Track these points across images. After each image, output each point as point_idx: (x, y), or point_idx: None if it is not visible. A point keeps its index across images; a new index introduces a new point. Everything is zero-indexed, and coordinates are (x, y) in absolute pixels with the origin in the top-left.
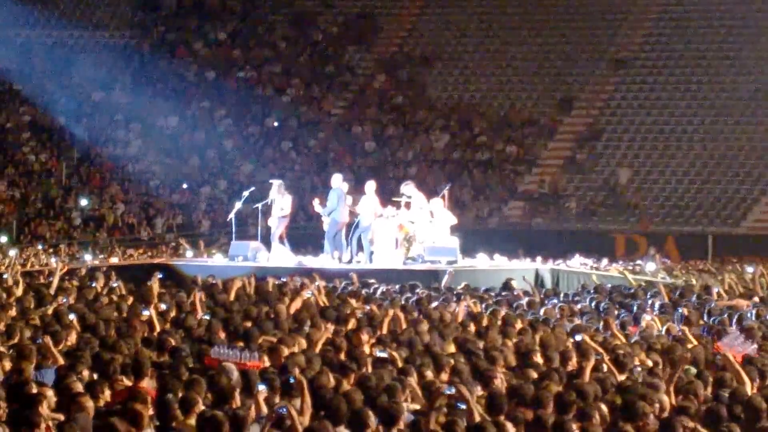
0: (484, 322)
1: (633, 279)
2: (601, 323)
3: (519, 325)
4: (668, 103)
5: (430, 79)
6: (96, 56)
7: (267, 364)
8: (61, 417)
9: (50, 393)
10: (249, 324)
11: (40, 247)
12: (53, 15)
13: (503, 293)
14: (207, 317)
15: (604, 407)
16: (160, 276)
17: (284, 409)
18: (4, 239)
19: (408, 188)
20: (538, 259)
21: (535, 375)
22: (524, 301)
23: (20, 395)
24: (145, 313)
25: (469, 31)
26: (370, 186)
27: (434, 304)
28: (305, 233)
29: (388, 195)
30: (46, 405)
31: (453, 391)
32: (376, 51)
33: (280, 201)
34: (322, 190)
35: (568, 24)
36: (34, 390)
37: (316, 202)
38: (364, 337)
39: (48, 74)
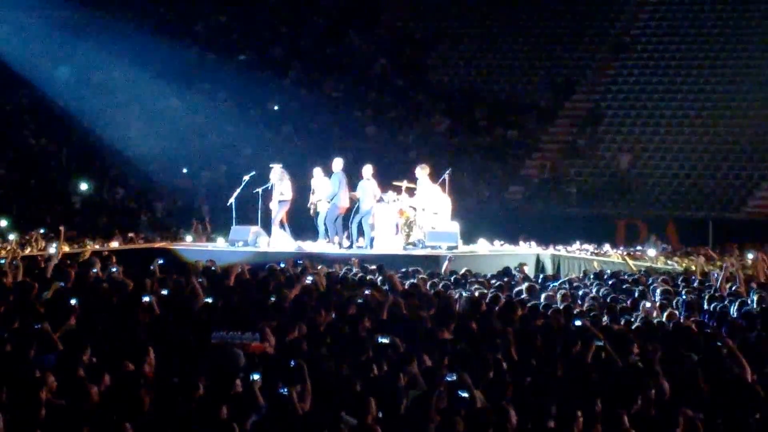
0: (485, 308)
1: (634, 265)
2: (603, 309)
3: (520, 311)
4: (670, 88)
5: (431, 63)
6: (96, 38)
7: (268, 349)
8: (63, 402)
9: (51, 378)
10: (250, 309)
11: (41, 231)
12: None
13: (504, 279)
14: (208, 301)
15: (605, 393)
16: (161, 261)
17: (285, 389)
18: (4, 223)
19: (421, 172)
20: (533, 243)
21: (536, 361)
22: (524, 286)
23: (21, 380)
24: (146, 298)
25: (471, 14)
26: (368, 170)
27: (435, 289)
28: (305, 218)
29: (388, 179)
30: (46, 390)
31: (454, 377)
32: (377, 34)
33: (280, 185)
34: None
35: (570, 7)
36: (36, 375)
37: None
38: (365, 323)
39: (47, 56)
